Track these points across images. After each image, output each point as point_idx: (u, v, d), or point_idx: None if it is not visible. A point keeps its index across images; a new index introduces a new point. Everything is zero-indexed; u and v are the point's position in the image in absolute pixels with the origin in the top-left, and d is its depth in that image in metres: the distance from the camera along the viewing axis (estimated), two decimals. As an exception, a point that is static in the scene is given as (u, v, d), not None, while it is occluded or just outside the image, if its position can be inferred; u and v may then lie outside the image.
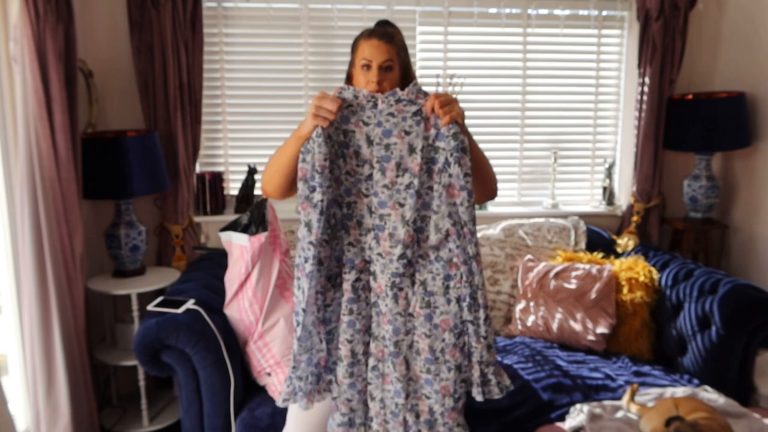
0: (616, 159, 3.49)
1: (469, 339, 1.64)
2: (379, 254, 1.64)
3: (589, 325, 2.77)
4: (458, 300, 1.62)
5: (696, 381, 2.51)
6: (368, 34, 1.82)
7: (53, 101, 2.34)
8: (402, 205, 1.61)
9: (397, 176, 1.62)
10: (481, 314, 1.62)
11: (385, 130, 1.61)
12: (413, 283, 1.64)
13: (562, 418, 2.27)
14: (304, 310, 1.63)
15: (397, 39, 1.83)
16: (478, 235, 3.08)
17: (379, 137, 1.62)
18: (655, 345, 2.81)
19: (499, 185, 3.61)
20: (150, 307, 2.33)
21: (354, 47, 1.85)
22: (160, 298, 2.40)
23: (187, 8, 2.86)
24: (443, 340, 1.64)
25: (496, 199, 3.41)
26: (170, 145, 2.94)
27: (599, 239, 3.21)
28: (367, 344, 1.69)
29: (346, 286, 1.66)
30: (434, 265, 1.64)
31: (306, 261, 1.62)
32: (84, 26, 2.82)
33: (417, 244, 1.63)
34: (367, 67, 1.79)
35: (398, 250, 1.60)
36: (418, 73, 3.21)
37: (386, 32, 1.82)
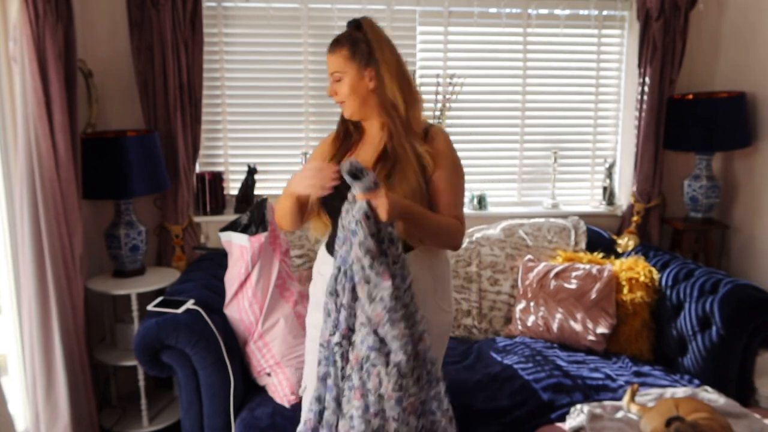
0: (617, 159, 3.49)
1: (435, 417, 1.59)
2: (362, 323, 1.56)
3: (590, 325, 2.77)
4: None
5: (696, 381, 2.51)
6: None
7: (53, 101, 2.34)
8: (376, 285, 1.54)
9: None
10: (441, 387, 1.59)
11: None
12: (387, 364, 1.54)
13: (562, 419, 2.27)
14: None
15: (344, 42, 1.76)
16: (479, 234, 3.10)
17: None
18: (655, 345, 2.81)
19: (500, 185, 3.62)
20: (150, 307, 2.33)
21: None
22: (159, 299, 2.40)
23: (187, 8, 2.86)
24: (407, 424, 1.56)
25: (496, 199, 3.44)
26: (170, 145, 2.93)
27: (599, 239, 3.21)
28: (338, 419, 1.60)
29: (329, 345, 1.60)
30: (408, 346, 1.57)
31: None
32: (84, 26, 2.82)
33: (390, 324, 1.54)
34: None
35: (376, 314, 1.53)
36: (418, 73, 3.21)
37: (335, 40, 1.79)
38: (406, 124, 1.76)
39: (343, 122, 1.89)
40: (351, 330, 1.59)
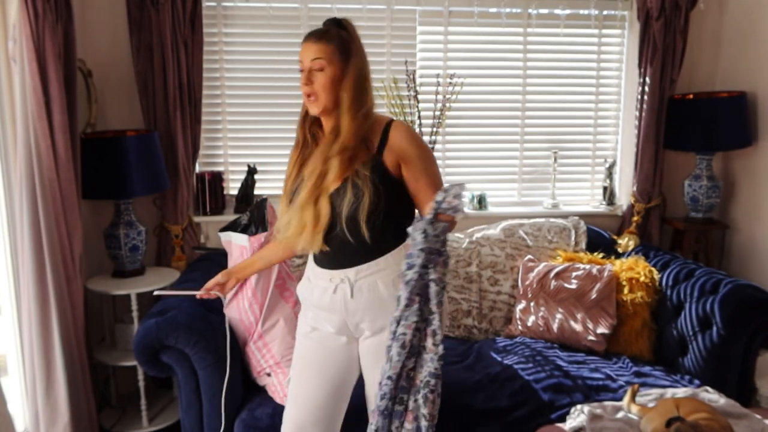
0: (617, 159, 3.49)
1: None
2: (434, 344, 1.60)
3: (590, 325, 2.76)
4: None
5: (697, 381, 2.50)
6: (304, 36, 1.78)
7: (52, 101, 2.33)
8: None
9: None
10: None
11: None
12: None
13: (562, 419, 2.26)
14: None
15: (330, 36, 1.74)
16: (479, 234, 3.10)
17: None
18: (655, 345, 2.80)
19: (500, 185, 3.63)
20: (157, 292, 2.17)
21: None
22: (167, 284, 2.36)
23: (186, 8, 2.86)
24: None
25: (496, 199, 3.44)
26: (170, 145, 2.93)
27: (600, 239, 3.20)
28: None
29: (401, 374, 1.66)
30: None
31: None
32: (83, 26, 2.82)
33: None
34: (302, 70, 1.76)
35: (441, 350, 1.55)
36: (418, 72, 3.21)
37: (318, 31, 1.77)
38: (357, 121, 1.75)
39: (302, 127, 1.87)
40: (423, 347, 1.61)
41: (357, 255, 1.76)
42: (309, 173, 1.76)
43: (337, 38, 1.74)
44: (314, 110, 1.77)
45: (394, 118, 1.83)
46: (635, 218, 3.34)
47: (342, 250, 1.76)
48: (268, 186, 3.22)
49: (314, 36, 1.75)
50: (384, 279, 1.76)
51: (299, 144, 1.86)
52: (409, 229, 1.54)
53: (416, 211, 1.79)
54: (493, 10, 3.27)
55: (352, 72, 1.74)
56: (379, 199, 1.70)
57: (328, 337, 1.89)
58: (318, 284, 1.85)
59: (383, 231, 1.72)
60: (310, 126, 1.85)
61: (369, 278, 1.77)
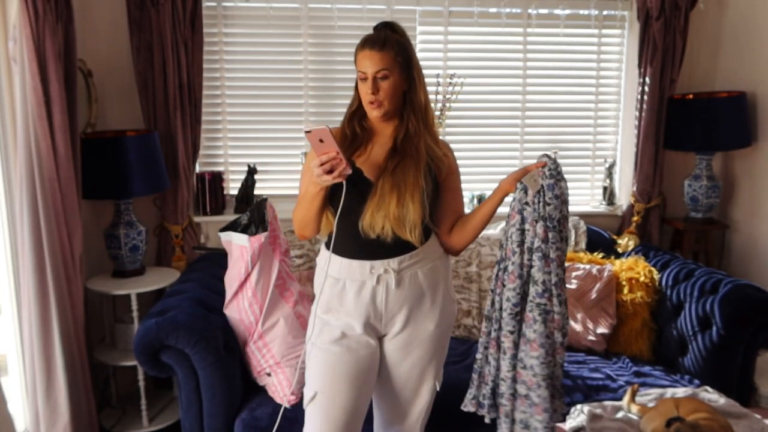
0: (617, 159, 3.49)
1: None
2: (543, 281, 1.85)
3: (590, 325, 2.76)
4: None
5: (697, 381, 2.51)
6: (362, 43, 1.79)
7: (52, 101, 2.33)
8: None
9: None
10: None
11: None
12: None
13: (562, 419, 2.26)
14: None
15: (390, 42, 1.77)
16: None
17: None
18: (655, 345, 2.80)
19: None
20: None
21: (354, 58, 1.83)
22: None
23: (186, 8, 2.86)
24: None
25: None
26: (170, 145, 2.93)
27: (599, 239, 3.21)
28: None
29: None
30: None
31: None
32: (83, 26, 2.81)
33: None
34: (364, 79, 1.78)
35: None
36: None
37: (378, 38, 1.77)
38: (427, 127, 1.85)
39: (351, 122, 1.88)
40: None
41: (397, 246, 1.78)
42: (391, 177, 1.77)
43: (397, 44, 1.78)
44: (376, 114, 1.80)
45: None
46: (635, 218, 3.34)
47: (384, 240, 1.77)
48: (268, 186, 3.22)
49: (376, 45, 1.76)
50: (423, 269, 1.83)
51: (347, 138, 1.86)
52: (548, 183, 1.76)
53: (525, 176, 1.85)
54: (493, 10, 3.27)
55: (419, 78, 1.82)
56: (429, 200, 1.80)
57: (357, 340, 1.82)
58: (354, 278, 1.81)
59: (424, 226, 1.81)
60: (359, 120, 1.88)
61: (410, 269, 1.81)
